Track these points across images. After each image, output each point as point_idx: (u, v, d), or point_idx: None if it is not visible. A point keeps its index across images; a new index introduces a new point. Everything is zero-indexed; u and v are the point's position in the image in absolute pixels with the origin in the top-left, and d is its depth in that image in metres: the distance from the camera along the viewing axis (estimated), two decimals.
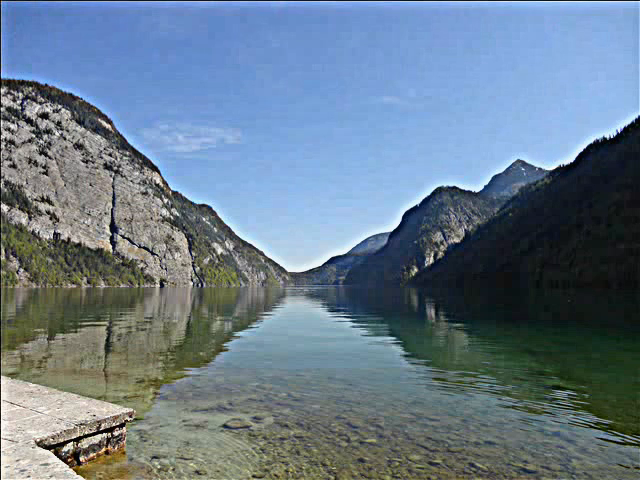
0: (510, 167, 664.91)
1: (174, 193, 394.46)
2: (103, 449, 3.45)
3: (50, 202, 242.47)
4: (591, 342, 11.11)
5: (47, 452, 2.79)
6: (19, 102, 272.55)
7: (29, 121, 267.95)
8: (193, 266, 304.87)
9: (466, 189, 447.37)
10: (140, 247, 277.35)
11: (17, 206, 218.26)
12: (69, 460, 3.18)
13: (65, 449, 3.16)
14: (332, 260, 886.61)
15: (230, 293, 68.13)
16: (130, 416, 3.65)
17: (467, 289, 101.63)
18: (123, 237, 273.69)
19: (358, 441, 3.95)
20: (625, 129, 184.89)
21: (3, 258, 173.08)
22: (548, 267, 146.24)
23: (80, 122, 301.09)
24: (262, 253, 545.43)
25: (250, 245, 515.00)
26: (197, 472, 3.28)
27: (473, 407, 5.05)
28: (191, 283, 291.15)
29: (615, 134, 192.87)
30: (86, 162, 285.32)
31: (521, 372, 7.05)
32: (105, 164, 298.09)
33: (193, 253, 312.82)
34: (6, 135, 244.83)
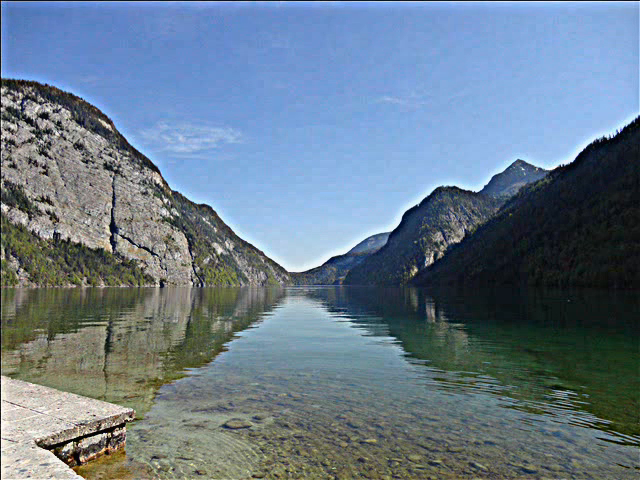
0: (510, 167, 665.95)
1: (174, 193, 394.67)
2: (103, 449, 3.46)
3: (50, 202, 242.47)
4: (591, 342, 11.11)
5: (47, 452, 2.79)
6: (19, 102, 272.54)
7: (29, 121, 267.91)
8: (193, 266, 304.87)
9: (466, 189, 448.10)
10: (140, 247, 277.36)
11: (17, 206, 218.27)
12: (69, 460, 3.19)
13: (65, 449, 3.16)
14: (332, 260, 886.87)
15: (230, 293, 68.13)
16: (130, 416, 3.65)
17: (467, 289, 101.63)
18: (123, 237, 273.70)
19: (358, 441, 3.95)
20: (625, 129, 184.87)
21: (3, 258, 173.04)
22: (548, 267, 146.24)
23: (80, 122, 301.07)
24: (262, 253, 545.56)
25: (250, 245, 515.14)
26: (197, 472, 3.28)
27: (473, 407, 5.05)
28: (191, 283, 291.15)
29: (615, 134, 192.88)
30: (86, 162, 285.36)
31: (521, 372, 7.05)
32: (105, 164, 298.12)
33: (193, 253, 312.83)
34: (6, 135, 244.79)
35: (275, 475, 3.26)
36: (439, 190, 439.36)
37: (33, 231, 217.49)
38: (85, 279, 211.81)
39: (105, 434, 3.46)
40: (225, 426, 4.31)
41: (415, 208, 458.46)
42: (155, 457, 3.53)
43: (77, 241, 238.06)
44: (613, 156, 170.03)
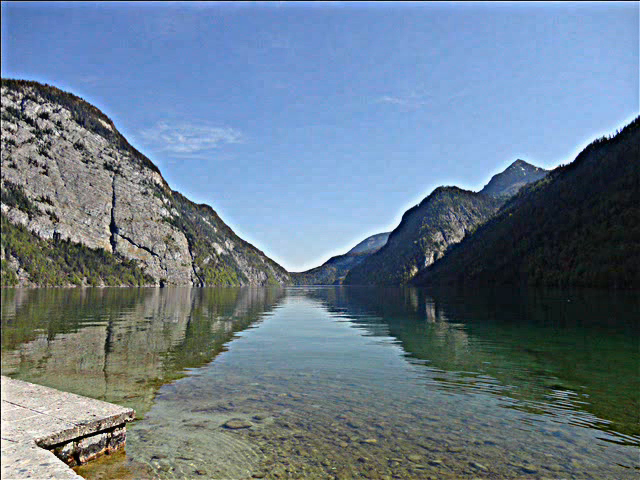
0: (510, 167, 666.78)
1: (174, 193, 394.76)
2: (103, 449, 3.46)
3: (50, 202, 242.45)
4: (591, 342, 11.11)
5: (47, 452, 2.79)
6: (19, 102, 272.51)
7: (29, 121, 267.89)
8: (193, 266, 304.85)
9: (466, 189, 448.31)
10: (140, 247, 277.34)
11: (17, 206, 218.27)
12: (69, 460, 3.19)
13: (65, 449, 3.16)
14: (332, 260, 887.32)
15: (230, 293, 68.12)
16: (130, 416, 3.65)
17: (467, 289, 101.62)
18: (123, 237, 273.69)
19: (358, 441, 3.94)
20: (625, 129, 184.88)
21: (3, 258, 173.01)
22: (548, 267, 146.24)
23: (80, 122, 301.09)
24: (262, 253, 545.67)
25: (250, 245, 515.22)
26: (197, 472, 3.28)
27: (473, 407, 5.05)
28: (191, 283, 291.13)
29: (615, 134, 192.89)
30: (86, 162, 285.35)
31: (521, 372, 7.05)
32: (105, 164, 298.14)
33: (193, 253, 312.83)
34: (6, 135, 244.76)
35: (275, 475, 3.26)
36: (439, 190, 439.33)
37: (33, 231, 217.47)
38: (85, 279, 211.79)
39: (105, 434, 3.46)
40: (225, 426, 4.31)
41: (415, 208, 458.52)
42: (155, 457, 3.53)
43: (77, 241, 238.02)
44: (613, 156, 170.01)
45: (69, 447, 3.18)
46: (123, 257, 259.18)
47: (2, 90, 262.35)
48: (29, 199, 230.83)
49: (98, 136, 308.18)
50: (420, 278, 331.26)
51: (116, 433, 3.56)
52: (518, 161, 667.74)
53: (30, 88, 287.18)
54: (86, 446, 3.31)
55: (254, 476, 3.23)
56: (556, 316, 20.32)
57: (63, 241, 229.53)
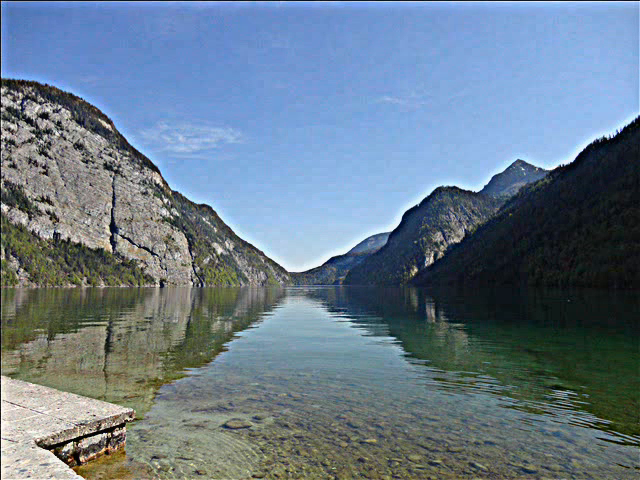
0: (510, 167, 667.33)
1: (174, 193, 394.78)
2: (103, 449, 3.45)
3: (50, 202, 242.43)
4: (591, 342, 11.11)
5: (47, 452, 2.79)
6: (19, 102, 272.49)
7: (29, 121, 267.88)
8: (193, 266, 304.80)
9: (466, 189, 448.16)
10: (140, 247, 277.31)
11: (17, 206, 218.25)
12: (69, 460, 3.18)
13: (65, 449, 3.16)
14: (332, 260, 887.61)
15: (230, 293, 68.10)
16: (130, 416, 3.65)
17: (467, 289, 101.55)
18: (123, 237, 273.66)
19: (358, 441, 3.94)
20: (625, 129, 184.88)
21: (3, 258, 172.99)
22: (548, 267, 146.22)
23: (80, 122, 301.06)
24: (262, 253, 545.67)
25: (250, 245, 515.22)
26: (197, 472, 3.28)
27: (473, 407, 5.05)
28: (191, 283, 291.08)
29: (615, 134, 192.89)
30: (86, 162, 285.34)
31: (521, 372, 7.04)
32: (105, 164, 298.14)
33: (193, 253, 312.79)
34: (6, 135, 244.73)
35: (275, 475, 3.26)
36: (439, 190, 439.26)
37: (33, 231, 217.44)
38: (85, 279, 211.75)
39: (105, 434, 3.46)
40: (225, 426, 4.31)
41: (415, 208, 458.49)
42: (155, 457, 3.53)
43: (77, 241, 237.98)
44: (613, 156, 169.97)
45: (69, 447, 3.18)
46: (123, 257, 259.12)
47: (2, 90, 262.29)
48: (29, 199, 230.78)
49: (98, 136, 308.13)
50: (420, 278, 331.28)
51: (116, 433, 3.56)
52: (518, 161, 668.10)
53: (30, 88, 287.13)
54: (86, 446, 3.31)
55: (254, 476, 3.23)
56: (556, 316, 20.31)
57: (63, 241, 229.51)
